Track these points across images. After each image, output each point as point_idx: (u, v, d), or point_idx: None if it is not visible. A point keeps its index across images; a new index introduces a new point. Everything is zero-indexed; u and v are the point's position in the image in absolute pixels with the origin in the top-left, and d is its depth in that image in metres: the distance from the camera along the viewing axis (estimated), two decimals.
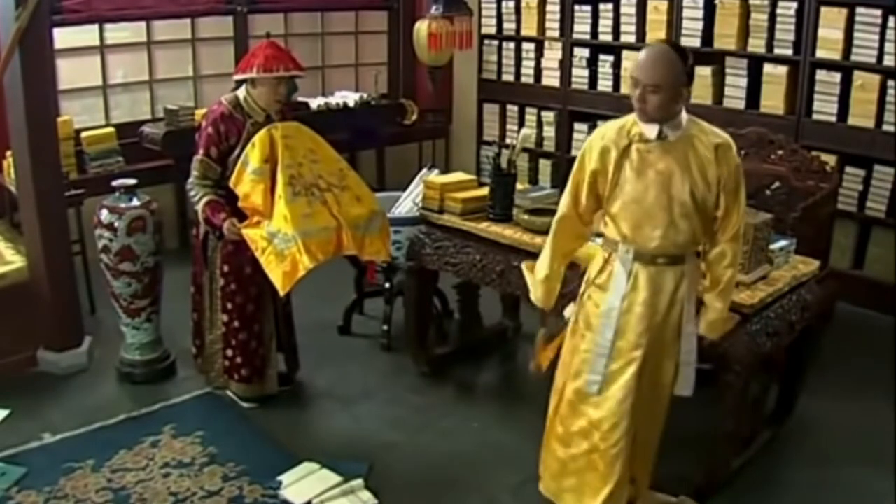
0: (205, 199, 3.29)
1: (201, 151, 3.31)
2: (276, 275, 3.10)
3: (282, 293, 3.16)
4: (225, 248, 3.38)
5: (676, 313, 2.51)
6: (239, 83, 3.39)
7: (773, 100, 4.79)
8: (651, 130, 2.40)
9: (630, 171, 2.42)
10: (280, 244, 3.09)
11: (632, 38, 5.43)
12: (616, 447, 2.54)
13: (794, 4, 4.64)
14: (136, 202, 3.62)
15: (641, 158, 2.42)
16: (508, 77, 6.22)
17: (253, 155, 3.18)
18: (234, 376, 3.54)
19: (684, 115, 2.41)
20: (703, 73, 4.98)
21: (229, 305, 3.44)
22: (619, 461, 2.56)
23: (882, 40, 4.36)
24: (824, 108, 4.62)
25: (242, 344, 3.48)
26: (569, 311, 2.69)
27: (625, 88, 5.51)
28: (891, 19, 4.30)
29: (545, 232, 3.25)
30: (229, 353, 3.51)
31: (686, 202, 2.38)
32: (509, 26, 6.13)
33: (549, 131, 6.04)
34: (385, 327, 4.20)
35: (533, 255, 3.23)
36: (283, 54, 3.35)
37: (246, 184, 3.19)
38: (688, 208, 2.39)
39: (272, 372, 3.58)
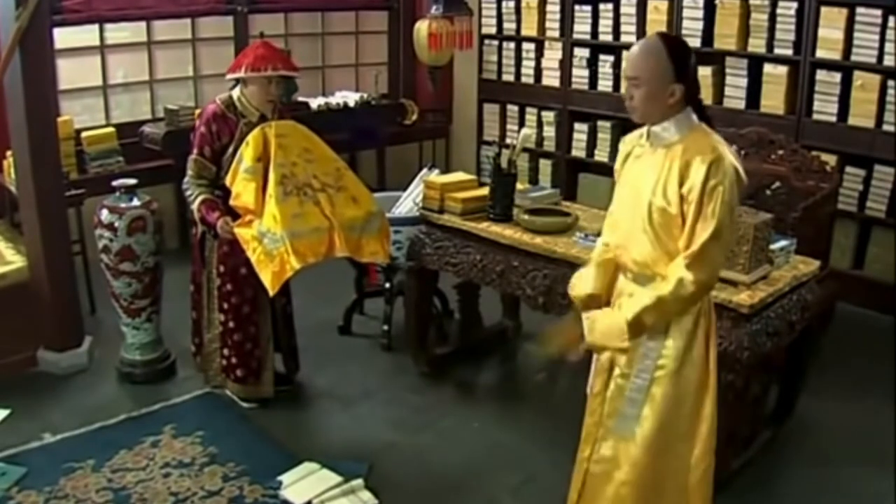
0: (200, 199, 3.32)
1: (195, 151, 3.34)
2: (266, 275, 3.11)
3: (271, 293, 3.15)
4: (221, 248, 3.38)
5: (644, 341, 2.24)
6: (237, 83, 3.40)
7: (773, 100, 4.79)
8: (646, 133, 2.27)
9: (623, 175, 2.34)
10: (269, 244, 3.09)
11: (632, 38, 5.42)
12: (585, 463, 2.40)
13: (794, 4, 4.64)
14: (136, 202, 3.62)
15: (632, 163, 2.30)
16: (508, 77, 6.22)
17: (246, 153, 3.19)
18: (230, 376, 3.54)
19: (688, 121, 2.17)
20: (704, 73, 4.97)
21: (225, 305, 3.45)
22: (581, 481, 2.41)
23: (882, 40, 4.36)
24: (824, 108, 4.62)
25: (238, 345, 3.48)
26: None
27: (625, 88, 5.50)
28: (891, 19, 4.30)
29: (545, 232, 3.27)
30: (226, 352, 3.51)
31: (644, 215, 2.19)
32: (509, 26, 6.13)
33: (550, 131, 6.04)
34: (385, 327, 4.20)
35: (533, 256, 3.24)
36: (274, 54, 3.35)
37: (239, 182, 3.20)
38: (645, 222, 2.19)
39: (268, 374, 3.57)
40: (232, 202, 3.23)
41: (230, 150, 3.29)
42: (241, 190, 3.18)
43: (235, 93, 3.36)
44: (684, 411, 2.25)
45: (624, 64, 2.28)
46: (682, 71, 2.14)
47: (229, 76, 3.35)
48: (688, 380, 2.23)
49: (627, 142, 2.36)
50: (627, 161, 2.33)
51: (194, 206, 3.34)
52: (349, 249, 3.21)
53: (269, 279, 3.10)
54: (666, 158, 2.17)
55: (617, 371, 2.31)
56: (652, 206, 2.16)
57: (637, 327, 2.18)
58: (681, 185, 2.12)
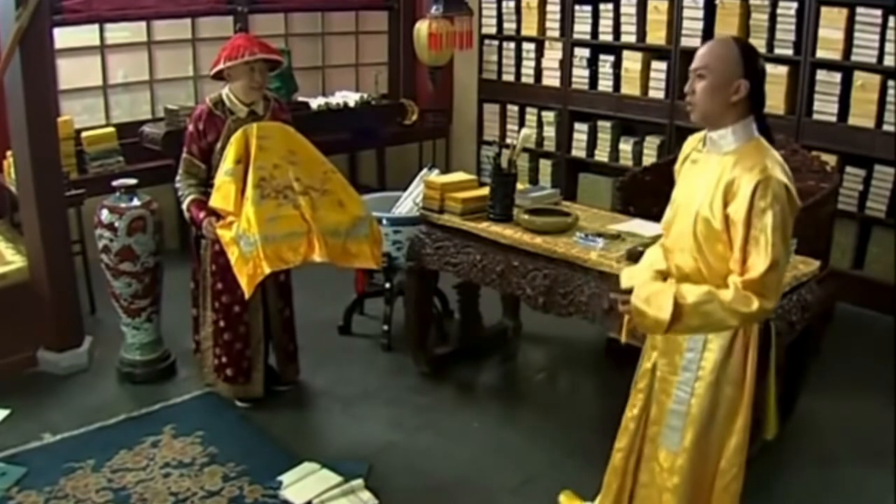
0: (189, 198, 3.34)
1: (185, 149, 3.37)
2: (243, 278, 3.10)
3: (246, 295, 3.15)
4: (213, 247, 3.38)
5: (684, 353, 2.25)
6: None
7: (773, 100, 4.77)
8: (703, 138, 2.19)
9: (681, 177, 2.28)
10: (245, 247, 3.08)
11: (632, 38, 5.43)
12: (619, 454, 2.46)
13: (795, 4, 4.64)
14: (136, 202, 3.63)
15: (688, 168, 2.24)
16: (509, 77, 6.22)
17: (228, 155, 3.18)
18: (221, 376, 3.54)
19: (746, 131, 2.10)
20: None
21: (216, 304, 3.45)
22: (615, 473, 2.47)
23: (882, 40, 4.36)
24: (824, 108, 4.62)
25: (227, 344, 3.48)
26: None
27: (625, 88, 5.52)
28: (891, 19, 4.30)
29: (545, 232, 3.27)
30: (217, 351, 3.51)
31: (691, 222, 2.13)
32: (509, 26, 6.13)
33: (550, 131, 6.04)
34: (385, 327, 4.20)
35: (533, 256, 3.24)
36: (251, 41, 3.33)
37: (219, 184, 3.19)
38: (691, 230, 2.13)
39: (258, 374, 3.56)
40: (211, 203, 3.23)
41: (218, 147, 3.30)
42: (221, 191, 3.18)
43: (225, 90, 3.37)
44: (717, 422, 2.25)
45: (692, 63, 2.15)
46: (750, 69, 2.07)
47: (212, 71, 3.35)
48: (723, 392, 2.23)
49: (688, 143, 2.30)
50: (686, 163, 2.27)
51: (184, 206, 3.36)
52: (331, 255, 3.17)
53: (244, 282, 3.10)
54: (717, 168, 2.10)
55: (659, 374, 2.32)
56: (699, 216, 2.11)
57: (678, 313, 2.06)
58: (725, 202, 2.05)
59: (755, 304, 2.00)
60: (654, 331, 2.17)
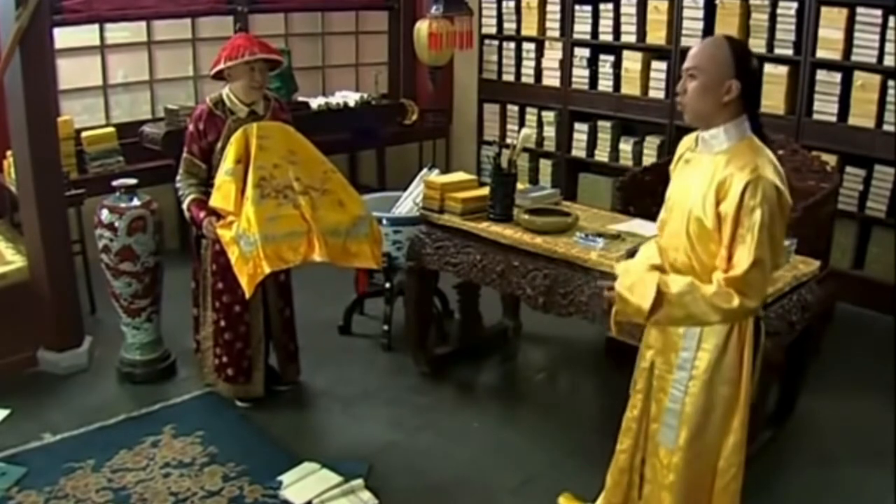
0: (190, 198, 3.34)
1: (185, 149, 3.38)
2: (243, 277, 3.11)
3: (247, 295, 3.15)
4: (213, 246, 3.38)
5: (679, 351, 2.26)
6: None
7: (773, 100, 4.79)
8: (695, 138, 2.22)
9: (675, 177, 2.29)
10: (245, 246, 3.08)
11: (632, 38, 5.43)
12: (623, 455, 2.48)
13: (795, 4, 4.64)
14: (136, 202, 3.63)
15: (682, 168, 2.25)
16: (509, 77, 6.22)
17: (228, 155, 3.19)
18: (221, 375, 3.54)
19: (738, 130, 2.10)
20: None
21: (217, 304, 3.45)
22: (622, 472, 2.48)
23: (882, 40, 4.36)
24: (825, 108, 4.62)
25: (228, 344, 3.48)
26: None
27: (625, 88, 5.52)
28: (891, 19, 4.30)
29: (545, 232, 3.27)
30: (217, 351, 3.51)
31: (685, 222, 2.15)
32: (509, 26, 6.13)
33: (550, 131, 6.04)
34: (385, 327, 4.20)
35: (533, 256, 3.24)
36: (251, 41, 3.34)
37: (219, 184, 3.20)
38: (685, 229, 2.15)
39: (259, 374, 3.56)
40: (211, 203, 3.23)
41: (218, 147, 3.30)
42: (221, 191, 3.18)
43: (225, 90, 3.37)
44: (713, 421, 2.25)
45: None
46: (742, 70, 2.07)
47: (212, 71, 3.35)
48: (717, 391, 2.23)
49: (683, 143, 2.31)
50: (680, 163, 2.29)
51: (184, 206, 3.36)
52: (331, 254, 3.17)
53: (245, 281, 3.10)
54: (710, 168, 2.10)
55: (657, 372, 2.33)
56: (691, 215, 2.12)
57: (660, 301, 2.09)
58: (717, 201, 2.05)
59: (735, 301, 2.03)
60: (636, 318, 2.19)
